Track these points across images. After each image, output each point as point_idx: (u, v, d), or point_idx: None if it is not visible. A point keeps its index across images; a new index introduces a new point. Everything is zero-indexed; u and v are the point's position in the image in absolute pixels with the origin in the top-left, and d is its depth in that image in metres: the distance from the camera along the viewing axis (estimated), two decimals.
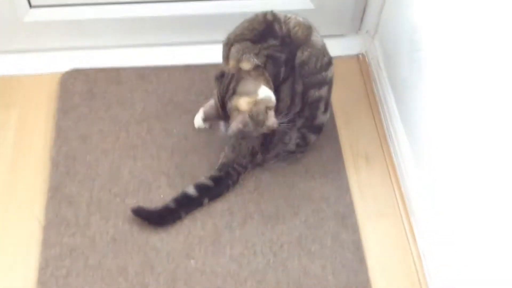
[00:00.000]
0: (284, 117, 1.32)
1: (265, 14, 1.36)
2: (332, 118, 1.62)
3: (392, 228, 1.44)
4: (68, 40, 1.69)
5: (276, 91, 1.32)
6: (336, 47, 1.71)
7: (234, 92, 1.28)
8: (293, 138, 1.41)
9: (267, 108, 1.27)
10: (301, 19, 1.36)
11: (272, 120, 1.28)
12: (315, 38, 1.36)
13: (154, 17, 1.66)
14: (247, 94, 1.27)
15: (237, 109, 1.26)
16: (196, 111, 1.56)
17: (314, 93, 1.37)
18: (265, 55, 1.32)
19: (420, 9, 1.38)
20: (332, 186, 1.48)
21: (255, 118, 1.25)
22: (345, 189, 1.48)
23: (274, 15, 1.36)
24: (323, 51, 1.37)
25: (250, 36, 1.34)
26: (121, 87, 1.65)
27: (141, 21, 1.67)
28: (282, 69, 1.34)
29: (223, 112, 1.30)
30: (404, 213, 1.45)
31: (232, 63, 1.33)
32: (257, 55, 1.31)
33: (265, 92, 1.27)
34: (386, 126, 1.60)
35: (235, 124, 1.24)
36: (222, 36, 1.37)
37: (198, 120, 1.56)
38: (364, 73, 1.74)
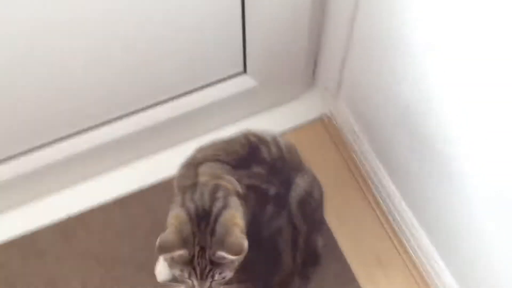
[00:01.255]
0: None
1: (246, 135, 1.02)
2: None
3: None
4: None
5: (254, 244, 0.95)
6: (292, 115, 1.40)
7: (226, 205, 0.91)
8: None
9: None
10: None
11: None
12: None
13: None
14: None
15: (236, 224, 0.89)
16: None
17: (317, 240, 1.03)
18: (247, 185, 0.96)
19: (392, 61, 1.04)
20: None
21: None
22: None
23: (257, 136, 1.02)
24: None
25: (228, 160, 0.98)
26: (42, 260, 1.23)
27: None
28: (269, 207, 0.98)
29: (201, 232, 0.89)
30: None
31: (206, 178, 0.96)
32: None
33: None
34: (389, 211, 1.29)
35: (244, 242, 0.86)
36: None
37: (162, 270, 1.19)
38: (337, 142, 1.40)
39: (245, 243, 0.85)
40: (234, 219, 0.89)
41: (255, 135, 1.03)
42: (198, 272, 0.86)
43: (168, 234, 0.86)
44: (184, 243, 0.85)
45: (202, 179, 0.96)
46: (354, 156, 1.36)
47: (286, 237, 0.99)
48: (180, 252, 0.85)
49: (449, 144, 0.95)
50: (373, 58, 1.12)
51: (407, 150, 1.11)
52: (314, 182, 1.03)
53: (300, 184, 1.00)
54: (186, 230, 0.87)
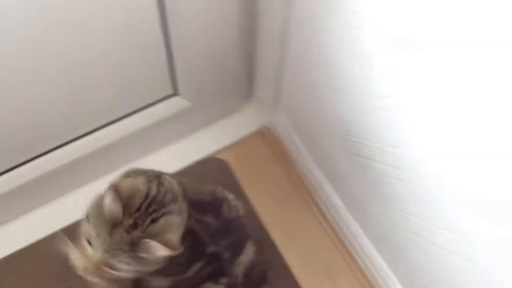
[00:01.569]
0: None
1: (215, 189, 0.98)
2: (266, 235, 1.27)
3: None
4: None
5: None
6: (232, 130, 1.37)
7: (180, 211, 0.85)
8: None
9: None
10: None
11: None
12: None
13: None
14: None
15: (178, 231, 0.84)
16: None
17: None
18: (190, 226, 0.89)
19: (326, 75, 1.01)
20: None
21: None
22: None
23: (223, 193, 0.98)
24: None
25: (189, 194, 0.91)
26: None
27: None
28: (199, 264, 0.93)
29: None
30: None
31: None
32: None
33: None
34: (336, 223, 1.27)
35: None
36: None
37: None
38: (279, 155, 1.37)
39: (180, 248, 0.79)
40: (180, 227, 0.84)
41: (223, 192, 0.99)
42: (108, 242, 0.77)
43: (114, 201, 0.76)
44: (123, 209, 0.77)
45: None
46: (297, 168, 1.34)
47: None
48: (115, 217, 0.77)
49: (387, 158, 0.93)
50: (306, 72, 1.09)
51: (347, 163, 1.09)
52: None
53: (249, 252, 0.97)
54: (135, 199, 0.80)
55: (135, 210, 0.79)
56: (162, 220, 0.81)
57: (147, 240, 0.77)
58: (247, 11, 1.10)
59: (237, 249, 0.95)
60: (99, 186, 0.82)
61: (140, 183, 0.82)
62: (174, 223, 0.83)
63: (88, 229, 0.80)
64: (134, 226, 0.78)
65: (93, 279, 0.80)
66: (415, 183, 0.87)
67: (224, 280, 0.94)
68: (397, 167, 0.89)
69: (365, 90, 0.87)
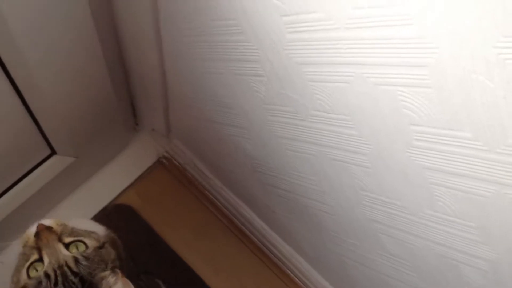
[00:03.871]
0: None
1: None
2: (192, 273, 1.17)
3: None
4: None
5: None
6: (128, 169, 1.25)
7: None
8: None
9: None
10: None
11: None
12: None
13: None
14: None
15: None
16: None
17: None
18: None
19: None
20: None
21: None
22: None
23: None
24: None
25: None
26: None
27: None
28: None
29: None
30: None
31: None
32: None
33: None
34: (263, 244, 1.19)
35: None
36: None
37: None
38: (184, 182, 1.26)
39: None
40: None
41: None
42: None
43: None
44: None
45: None
46: (208, 193, 1.23)
47: None
48: None
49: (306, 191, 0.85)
50: (188, 101, 0.98)
51: (264, 192, 1.01)
52: None
53: None
54: None
55: None
56: None
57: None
58: (110, 47, 0.96)
59: None
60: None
61: None
62: None
63: None
64: None
65: None
66: (342, 215, 0.80)
67: None
68: (321, 202, 0.81)
69: (265, 126, 0.78)
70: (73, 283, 0.69)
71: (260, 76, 0.69)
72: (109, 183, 1.23)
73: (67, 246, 0.71)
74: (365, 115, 0.57)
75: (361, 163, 0.64)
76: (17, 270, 0.71)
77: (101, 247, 0.74)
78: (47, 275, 0.68)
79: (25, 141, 1.01)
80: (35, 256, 0.69)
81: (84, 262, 0.70)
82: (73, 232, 0.73)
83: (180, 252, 1.19)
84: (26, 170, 1.07)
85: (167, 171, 1.27)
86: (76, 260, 0.69)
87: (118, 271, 0.71)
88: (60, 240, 0.71)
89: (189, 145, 1.18)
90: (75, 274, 0.69)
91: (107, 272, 0.71)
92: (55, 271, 0.69)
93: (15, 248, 0.73)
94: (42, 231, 0.71)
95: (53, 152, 1.09)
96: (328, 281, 1.09)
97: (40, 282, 0.68)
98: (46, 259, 0.69)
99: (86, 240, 0.72)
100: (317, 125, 0.66)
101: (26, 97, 0.91)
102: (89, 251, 0.71)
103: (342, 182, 0.71)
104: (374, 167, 0.63)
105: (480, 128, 0.47)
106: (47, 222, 0.72)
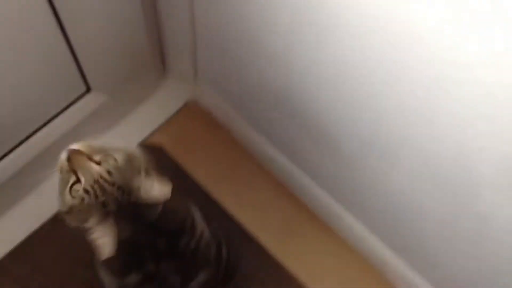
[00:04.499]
0: None
1: (186, 219, 0.90)
2: (220, 208, 1.24)
3: None
4: None
5: None
6: (156, 112, 1.32)
7: None
8: None
9: None
10: None
11: None
12: None
13: None
14: None
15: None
16: None
17: None
18: (135, 236, 0.82)
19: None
20: None
21: None
22: None
23: (194, 225, 0.90)
24: None
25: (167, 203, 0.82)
26: None
27: None
28: (133, 276, 0.88)
29: None
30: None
31: None
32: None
33: None
34: (287, 179, 1.26)
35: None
36: None
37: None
38: (211, 125, 1.33)
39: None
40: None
41: (193, 221, 0.92)
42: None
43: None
44: None
45: None
46: (233, 135, 1.30)
47: None
48: None
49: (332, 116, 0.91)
50: (218, 41, 1.04)
51: (289, 126, 1.07)
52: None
53: (201, 280, 0.92)
54: None
55: None
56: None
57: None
58: None
59: (187, 276, 0.90)
60: None
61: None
62: None
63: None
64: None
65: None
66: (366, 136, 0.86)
67: None
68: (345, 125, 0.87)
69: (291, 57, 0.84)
70: (112, 193, 0.76)
71: None
72: (139, 124, 1.30)
73: (98, 163, 0.76)
74: None
75: None
76: (61, 194, 0.77)
77: (130, 156, 0.80)
78: (86, 191, 0.74)
79: (64, 76, 1.09)
80: (72, 179, 0.75)
81: (116, 173, 0.75)
82: (101, 149, 0.77)
83: (208, 188, 1.26)
84: (63, 106, 1.15)
85: (194, 115, 1.34)
86: (108, 172, 0.75)
87: (152, 172, 0.78)
88: (90, 159, 0.75)
89: (216, 88, 1.24)
90: (112, 184, 0.76)
91: (142, 177, 0.78)
92: (92, 187, 0.75)
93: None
94: (72, 154, 0.75)
95: (88, 89, 1.16)
96: (341, 203, 1.15)
97: (83, 199, 0.74)
98: (82, 178, 0.74)
99: (115, 154, 0.77)
100: None
101: (69, 32, 0.98)
102: (119, 162, 0.76)
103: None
104: None
105: None
106: (75, 146, 0.76)
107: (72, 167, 0.75)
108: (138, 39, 1.14)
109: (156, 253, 0.86)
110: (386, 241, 1.11)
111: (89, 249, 0.79)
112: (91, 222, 0.76)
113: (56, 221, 1.19)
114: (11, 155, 1.12)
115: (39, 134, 1.14)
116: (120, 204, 0.75)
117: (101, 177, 0.75)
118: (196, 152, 1.31)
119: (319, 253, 1.23)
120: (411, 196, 0.89)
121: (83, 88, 1.15)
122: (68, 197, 0.75)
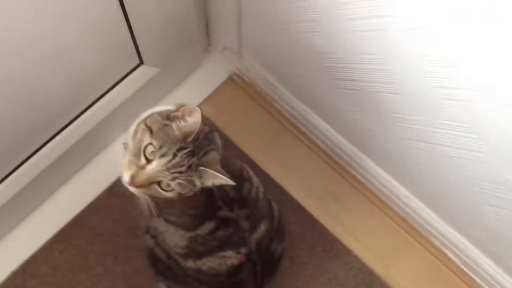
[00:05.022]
0: None
1: (243, 168, 0.99)
2: (265, 175, 1.30)
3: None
4: None
5: None
6: (202, 84, 1.38)
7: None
8: None
9: None
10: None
11: None
12: None
13: None
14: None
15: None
16: None
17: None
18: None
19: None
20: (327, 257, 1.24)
21: None
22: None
23: (249, 174, 1.00)
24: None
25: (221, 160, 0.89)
26: None
27: None
28: (209, 224, 0.95)
29: None
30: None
31: None
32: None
33: None
34: (329, 148, 1.31)
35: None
36: None
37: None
38: (255, 96, 1.38)
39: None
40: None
41: (249, 173, 1.00)
42: (171, 161, 0.79)
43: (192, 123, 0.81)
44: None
45: None
46: (277, 105, 1.35)
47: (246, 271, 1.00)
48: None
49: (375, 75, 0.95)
50: (268, 10, 1.08)
51: (331, 90, 1.11)
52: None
53: (262, 229, 0.99)
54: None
55: (195, 140, 0.81)
56: (211, 155, 0.83)
57: (205, 168, 0.81)
58: None
59: (253, 224, 0.97)
60: None
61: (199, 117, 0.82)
62: (217, 160, 0.85)
63: (147, 140, 0.80)
64: (192, 153, 0.80)
65: (133, 188, 0.81)
66: (408, 93, 0.90)
67: (243, 250, 0.97)
68: (389, 82, 0.92)
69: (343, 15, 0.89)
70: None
71: None
72: (186, 96, 1.36)
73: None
74: None
75: None
76: (135, 156, 0.82)
77: (151, 120, 0.85)
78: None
79: (120, 50, 1.14)
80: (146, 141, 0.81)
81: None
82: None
83: (253, 156, 1.32)
84: (118, 78, 1.21)
85: (238, 86, 1.39)
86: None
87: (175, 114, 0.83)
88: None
89: (259, 59, 1.29)
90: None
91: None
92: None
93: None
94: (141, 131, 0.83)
95: (141, 63, 1.22)
96: (392, 176, 1.20)
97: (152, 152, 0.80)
98: (154, 142, 0.81)
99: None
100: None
101: (127, 8, 1.04)
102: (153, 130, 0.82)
103: (409, 51, 0.82)
104: None
105: None
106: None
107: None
108: (186, 12, 1.19)
109: (227, 200, 0.92)
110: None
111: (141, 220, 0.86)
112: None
113: (111, 192, 1.27)
114: (72, 126, 1.19)
115: (98, 104, 1.20)
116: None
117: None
118: (240, 122, 1.37)
119: (363, 218, 1.29)
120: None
121: (136, 61, 1.21)
122: (142, 158, 0.81)
